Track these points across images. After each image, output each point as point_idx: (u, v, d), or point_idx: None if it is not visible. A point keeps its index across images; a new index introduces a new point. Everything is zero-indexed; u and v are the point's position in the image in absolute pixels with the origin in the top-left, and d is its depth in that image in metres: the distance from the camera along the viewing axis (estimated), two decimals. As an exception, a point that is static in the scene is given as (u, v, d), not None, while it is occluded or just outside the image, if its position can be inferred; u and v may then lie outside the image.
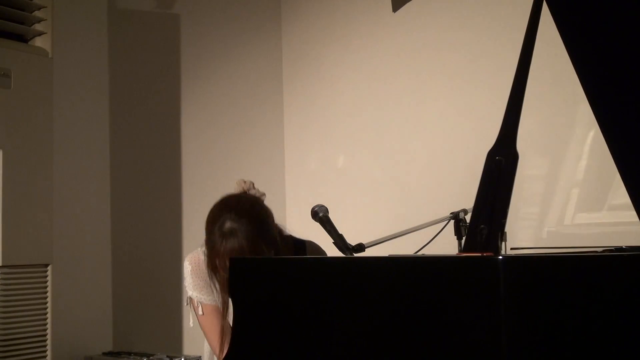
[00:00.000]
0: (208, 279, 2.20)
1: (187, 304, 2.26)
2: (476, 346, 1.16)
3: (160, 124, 3.36)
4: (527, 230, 2.80)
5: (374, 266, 1.39)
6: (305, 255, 2.35)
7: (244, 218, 2.11)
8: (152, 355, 2.82)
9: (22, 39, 2.60)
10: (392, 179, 3.29)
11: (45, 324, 2.47)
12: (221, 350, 2.13)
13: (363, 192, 3.41)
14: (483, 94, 2.96)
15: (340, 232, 2.17)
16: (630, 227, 2.34)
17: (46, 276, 2.49)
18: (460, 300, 1.19)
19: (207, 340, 2.22)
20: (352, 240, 2.16)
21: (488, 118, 2.69)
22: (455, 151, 3.05)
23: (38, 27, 2.62)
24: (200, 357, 2.80)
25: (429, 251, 2.44)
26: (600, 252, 1.70)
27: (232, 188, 3.48)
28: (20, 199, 2.43)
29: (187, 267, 2.25)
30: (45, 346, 2.46)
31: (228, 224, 2.11)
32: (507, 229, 1.39)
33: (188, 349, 3.23)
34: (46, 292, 2.49)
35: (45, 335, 2.47)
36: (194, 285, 2.22)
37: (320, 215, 2.23)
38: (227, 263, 2.03)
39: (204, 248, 2.22)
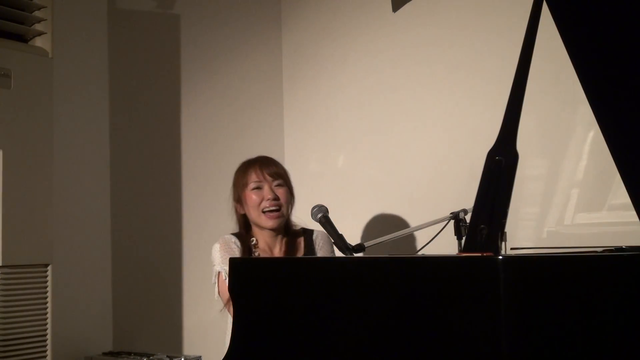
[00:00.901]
0: (235, 253, 2.38)
1: (214, 282, 2.40)
2: (476, 346, 1.16)
3: (160, 123, 3.36)
4: (527, 230, 2.80)
5: (374, 266, 1.39)
6: (312, 240, 2.47)
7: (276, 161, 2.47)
8: (152, 355, 2.81)
9: (22, 39, 2.60)
10: (392, 179, 3.29)
11: (45, 324, 2.47)
12: None
13: (363, 192, 3.42)
14: (483, 94, 2.96)
15: (340, 232, 2.18)
16: (630, 227, 2.34)
17: (46, 276, 2.49)
18: (460, 300, 1.19)
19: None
20: (352, 240, 2.17)
21: (488, 118, 2.69)
22: (456, 151, 3.05)
23: (38, 27, 2.62)
24: (200, 357, 2.80)
25: (429, 251, 2.44)
26: (600, 252, 1.70)
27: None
28: (20, 199, 2.42)
29: (216, 247, 2.41)
30: (45, 346, 2.46)
31: (263, 158, 2.44)
32: (507, 228, 1.40)
33: (188, 349, 3.23)
34: (46, 292, 2.49)
35: (45, 335, 2.47)
36: (222, 260, 2.37)
37: (320, 216, 2.24)
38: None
39: (227, 235, 2.43)
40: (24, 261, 2.43)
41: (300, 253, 2.43)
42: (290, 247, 2.42)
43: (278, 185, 2.39)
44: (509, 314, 1.14)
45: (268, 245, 2.42)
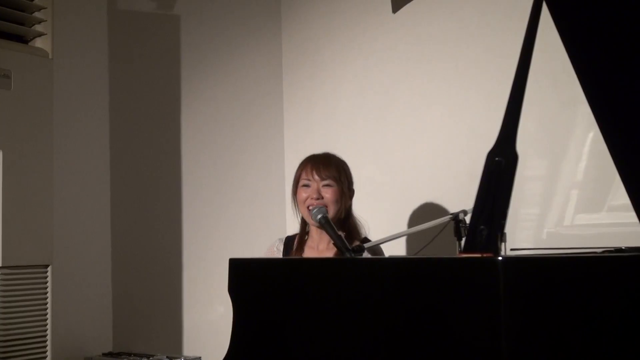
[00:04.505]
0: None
1: None
2: (476, 347, 1.17)
3: (160, 124, 3.36)
4: (526, 231, 2.80)
5: (374, 267, 1.39)
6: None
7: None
8: (152, 355, 2.82)
9: (22, 40, 2.60)
10: (392, 179, 3.29)
11: (45, 325, 2.47)
12: None
13: (363, 192, 3.41)
14: (483, 94, 2.96)
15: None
16: (629, 228, 2.33)
17: (46, 277, 2.49)
18: (460, 301, 1.19)
19: None
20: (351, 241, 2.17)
21: (488, 118, 2.69)
22: (455, 152, 3.05)
23: (38, 28, 2.62)
24: (200, 357, 2.80)
25: (429, 252, 2.44)
26: (600, 253, 1.70)
27: (233, 188, 3.50)
28: (20, 199, 2.43)
29: (262, 252, 2.52)
30: (45, 346, 2.46)
31: (320, 156, 2.51)
32: (506, 229, 1.39)
33: (188, 349, 3.23)
34: (46, 293, 2.49)
35: (45, 335, 2.47)
36: None
37: (320, 216, 2.24)
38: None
39: (280, 238, 2.51)
40: (24, 262, 2.43)
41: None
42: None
43: (326, 185, 2.42)
44: (508, 314, 1.14)
45: (316, 241, 2.48)
